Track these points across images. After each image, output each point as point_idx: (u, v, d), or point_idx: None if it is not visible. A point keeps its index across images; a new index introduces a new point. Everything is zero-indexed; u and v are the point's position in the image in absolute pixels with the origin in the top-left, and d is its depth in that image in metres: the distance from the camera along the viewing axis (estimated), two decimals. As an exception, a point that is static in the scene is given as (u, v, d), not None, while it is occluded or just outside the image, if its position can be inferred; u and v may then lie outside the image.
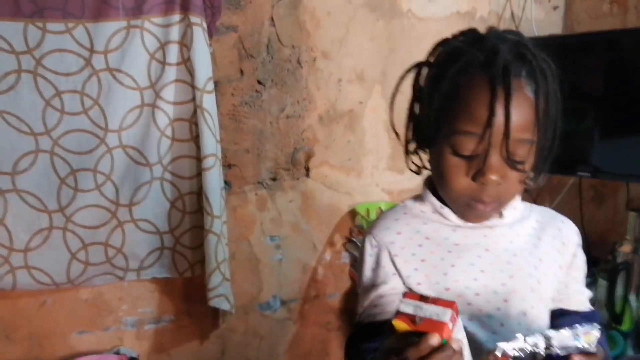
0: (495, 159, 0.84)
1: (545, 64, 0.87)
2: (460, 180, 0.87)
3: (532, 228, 0.99)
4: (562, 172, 2.13)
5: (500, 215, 0.95)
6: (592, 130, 1.90)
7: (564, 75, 2.01)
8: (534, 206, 1.03)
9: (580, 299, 1.01)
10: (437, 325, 0.69)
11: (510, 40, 0.87)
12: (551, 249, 0.97)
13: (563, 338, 0.76)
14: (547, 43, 1.98)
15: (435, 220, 0.96)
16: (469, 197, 0.88)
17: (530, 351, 0.75)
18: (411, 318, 0.70)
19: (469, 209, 0.90)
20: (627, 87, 1.77)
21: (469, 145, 0.84)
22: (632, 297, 1.52)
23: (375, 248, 0.95)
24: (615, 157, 1.85)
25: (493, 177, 0.84)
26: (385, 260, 0.94)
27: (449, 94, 0.86)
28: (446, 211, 0.95)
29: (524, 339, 0.75)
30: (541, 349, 0.76)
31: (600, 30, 1.91)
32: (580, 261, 1.01)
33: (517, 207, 0.98)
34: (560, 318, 0.99)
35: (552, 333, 0.76)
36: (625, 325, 1.52)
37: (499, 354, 0.74)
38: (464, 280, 0.92)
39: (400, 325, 0.70)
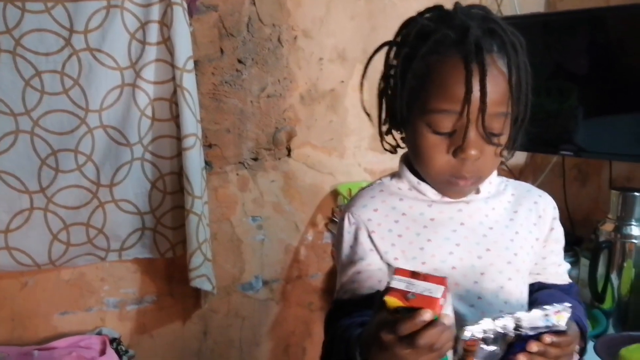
0: (473, 134, 0.85)
1: (514, 37, 0.88)
2: (440, 157, 0.87)
3: (507, 202, 1.00)
4: (546, 150, 2.15)
5: (477, 190, 0.96)
6: (576, 109, 1.91)
7: (547, 54, 2.02)
8: (510, 180, 1.04)
9: (558, 271, 1.03)
10: (430, 301, 0.69)
11: (477, 15, 0.88)
12: (527, 221, 0.98)
13: (533, 319, 0.76)
14: (529, 22, 2.01)
15: (411, 197, 0.97)
16: (449, 174, 0.88)
17: (499, 333, 0.76)
18: (403, 294, 0.70)
19: (450, 185, 0.91)
20: (610, 66, 1.78)
21: (446, 123, 0.85)
22: (614, 276, 1.54)
23: (353, 225, 0.96)
24: (598, 136, 1.86)
25: (473, 152, 0.85)
26: (363, 237, 0.95)
27: (423, 73, 0.86)
28: (423, 187, 0.95)
29: (493, 321, 0.75)
30: (510, 331, 0.76)
31: (583, 8, 1.91)
32: (558, 234, 1.02)
33: (492, 182, 0.99)
34: (539, 291, 1.00)
35: (521, 314, 0.76)
36: (607, 304, 1.54)
37: (467, 337, 0.74)
38: (440, 254, 0.93)
39: (392, 301, 0.70)
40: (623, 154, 1.81)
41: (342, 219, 0.98)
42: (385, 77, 0.95)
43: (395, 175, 1.01)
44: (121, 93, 1.77)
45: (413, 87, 0.88)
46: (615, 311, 1.52)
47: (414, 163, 0.94)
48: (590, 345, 1.38)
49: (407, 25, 0.92)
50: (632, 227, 1.51)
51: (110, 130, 1.78)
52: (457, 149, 0.85)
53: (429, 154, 0.88)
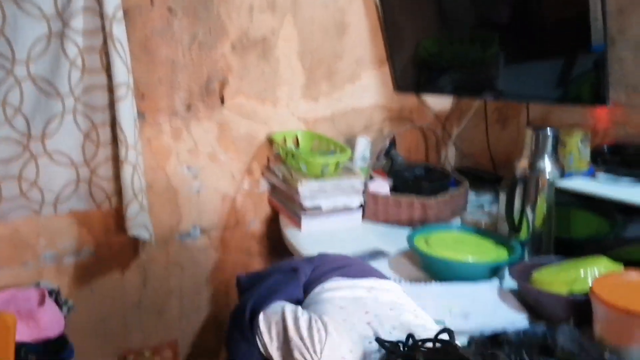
0: None
1: None
2: None
3: None
4: (469, 95, 2.26)
5: None
6: (497, 56, 2.01)
7: (472, 4, 2.08)
8: None
9: None
10: None
11: None
12: None
13: None
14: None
15: None
16: None
17: None
18: None
19: None
20: (529, 15, 1.87)
21: None
22: (528, 209, 1.66)
23: None
24: (517, 80, 1.98)
25: None
26: None
27: None
28: None
29: None
30: None
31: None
32: None
33: None
34: None
35: None
36: (523, 235, 1.66)
37: None
38: None
39: None
40: (539, 96, 1.94)
41: None
42: None
43: None
44: (49, 43, 1.74)
45: None
46: (529, 241, 1.65)
47: None
48: (506, 271, 1.51)
49: None
50: (545, 162, 1.62)
51: (39, 82, 1.75)
52: None
53: None
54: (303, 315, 1.16)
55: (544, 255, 1.60)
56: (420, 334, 1.06)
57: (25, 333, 1.73)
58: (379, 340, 1.03)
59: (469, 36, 2.09)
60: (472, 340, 1.19)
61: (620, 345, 1.13)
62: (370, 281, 1.33)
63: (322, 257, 1.49)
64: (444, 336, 1.03)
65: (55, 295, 1.89)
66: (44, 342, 1.77)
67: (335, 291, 1.26)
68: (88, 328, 2.05)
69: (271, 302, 1.26)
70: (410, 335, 1.03)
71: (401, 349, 1.00)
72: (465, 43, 2.11)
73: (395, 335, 1.09)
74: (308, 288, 1.33)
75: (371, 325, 1.14)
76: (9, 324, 1.63)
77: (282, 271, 1.42)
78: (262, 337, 1.20)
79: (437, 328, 1.05)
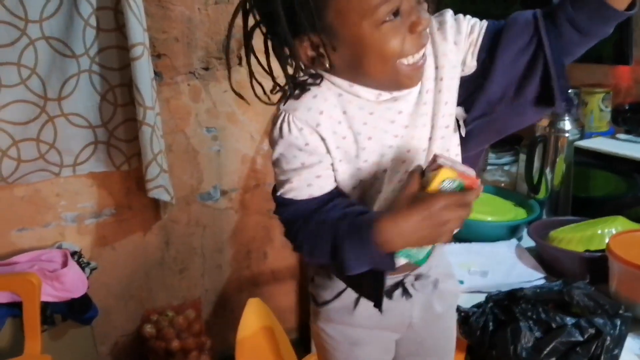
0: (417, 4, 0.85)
1: None
2: (399, 41, 0.85)
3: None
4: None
5: None
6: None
7: None
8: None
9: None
10: (473, 179, 0.85)
11: None
12: (450, 59, 0.95)
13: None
14: None
15: (346, 98, 0.93)
16: (409, 54, 0.86)
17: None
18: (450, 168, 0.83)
19: (411, 69, 0.88)
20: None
21: (391, 7, 0.83)
22: (548, 170, 1.64)
23: (302, 130, 0.91)
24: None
25: (427, 15, 0.85)
26: (316, 141, 0.92)
27: None
28: (356, 88, 0.92)
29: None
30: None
31: None
32: (465, 25, 0.96)
33: None
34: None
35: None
36: (541, 195, 1.65)
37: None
38: (380, 149, 0.94)
39: (447, 172, 0.83)
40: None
41: (286, 124, 0.91)
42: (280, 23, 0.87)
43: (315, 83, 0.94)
44: (61, 2, 1.73)
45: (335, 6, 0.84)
46: (548, 200, 1.63)
47: (361, 73, 0.89)
48: (524, 230, 1.50)
49: None
50: (565, 122, 1.59)
51: (53, 42, 1.75)
52: (412, 24, 0.84)
53: (388, 46, 0.85)
54: None
55: (561, 215, 1.58)
56: None
57: (50, 293, 1.77)
58: None
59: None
60: (490, 297, 1.19)
61: (635, 301, 1.12)
62: None
63: None
64: None
65: (78, 256, 1.92)
66: (69, 302, 1.82)
67: None
68: (111, 288, 2.09)
69: None
70: None
71: None
72: (486, 1, 2.06)
73: None
74: None
75: None
76: (34, 284, 1.67)
77: None
78: None
79: None
